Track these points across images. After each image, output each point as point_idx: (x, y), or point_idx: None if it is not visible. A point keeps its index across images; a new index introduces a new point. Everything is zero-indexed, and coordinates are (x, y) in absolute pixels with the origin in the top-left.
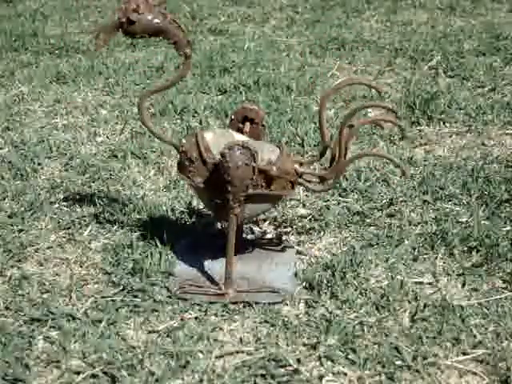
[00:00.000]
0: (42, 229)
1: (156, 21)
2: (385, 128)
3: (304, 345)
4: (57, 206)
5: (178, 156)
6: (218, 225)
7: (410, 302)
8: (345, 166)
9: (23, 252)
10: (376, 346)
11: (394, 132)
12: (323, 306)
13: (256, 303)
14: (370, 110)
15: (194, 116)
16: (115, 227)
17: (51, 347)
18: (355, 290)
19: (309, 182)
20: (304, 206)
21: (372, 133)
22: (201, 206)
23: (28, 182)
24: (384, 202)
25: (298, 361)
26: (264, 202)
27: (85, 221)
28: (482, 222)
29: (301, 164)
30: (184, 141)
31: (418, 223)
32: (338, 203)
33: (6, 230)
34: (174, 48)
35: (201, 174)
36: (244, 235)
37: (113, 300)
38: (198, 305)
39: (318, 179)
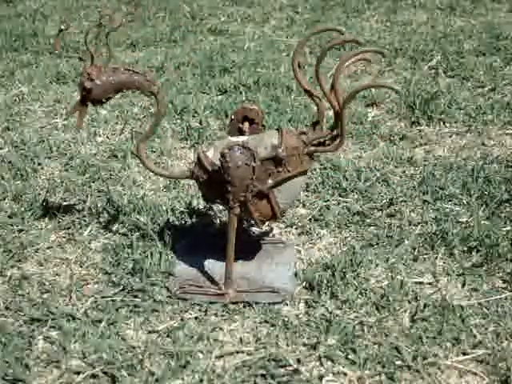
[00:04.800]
0: (41, 229)
1: (110, 79)
2: (372, 61)
3: (304, 345)
4: (57, 206)
5: (200, 189)
6: (218, 225)
7: (410, 302)
8: (344, 108)
9: (23, 252)
10: (376, 346)
11: (393, 132)
12: (323, 306)
13: (256, 303)
14: (369, 110)
15: (193, 116)
16: (115, 227)
17: (51, 347)
18: (355, 290)
19: (322, 145)
20: (304, 206)
21: (372, 133)
22: (201, 206)
23: (28, 182)
24: (384, 202)
25: (298, 361)
26: (292, 184)
27: (85, 221)
28: (482, 222)
29: (305, 133)
30: (195, 169)
31: (418, 223)
32: (338, 203)
33: (5, 230)
34: (141, 93)
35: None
36: (244, 235)
37: (113, 300)
38: (198, 305)
39: (328, 138)
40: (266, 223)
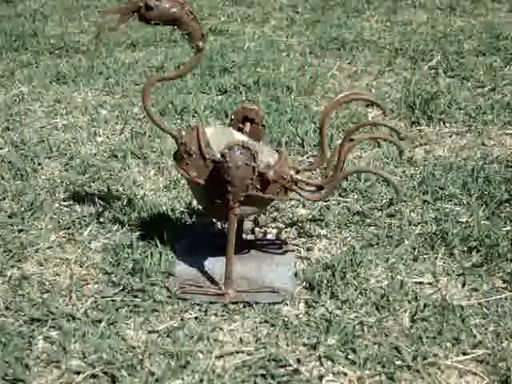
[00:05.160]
0: (41, 229)
1: (173, 10)
2: (381, 146)
3: (304, 345)
4: (57, 205)
5: (177, 147)
6: (218, 225)
7: (410, 302)
8: (341, 178)
9: (23, 252)
10: (376, 346)
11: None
12: (323, 306)
13: (256, 303)
14: (369, 110)
15: (193, 116)
16: (115, 227)
17: (51, 347)
18: (355, 290)
19: (302, 189)
20: (304, 206)
21: (372, 133)
22: (201, 206)
23: (28, 181)
24: (384, 202)
25: (298, 361)
26: (254, 204)
27: (85, 221)
28: (482, 222)
29: (297, 172)
30: (184, 133)
31: (418, 223)
32: (338, 203)
33: (5, 230)
34: (187, 39)
35: (198, 168)
36: (244, 235)
37: (113, 300)
38: (198, 305)
39: (313, 188)
40: (269, 223)
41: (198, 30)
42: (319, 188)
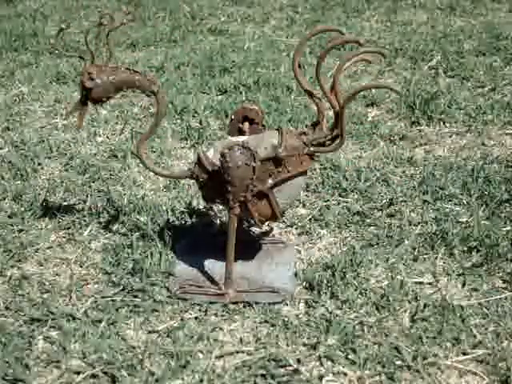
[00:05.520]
0: (42, 229)
1: (111, 78)
2: (371, 62)
3: (304, 345)
4: (57, 206)
5: (200, 188)
6: (218, 225)
7: (410, 302)
8: (344, 108)
9: (23, 252)
10: (376, 346)
11: (393, 132)
12: (323, 306)
13: (256, 303)
14: (369, 110)
15: (193, 116)
16: (115, 227)
17: (51, 347)
18: (355, 290)
19: (322, 145)
20: (304, 206)
21: (372, 133)
22: (201, 206)
23: (28, 182)
24: (384, 201)
25: (298, 361)
26: (292, 184)
27: (85, 221)
28: (482, 222)
29: (305, 134)
30: (192, 168)
31: (418, 223)
32: (338, 203)
33: (5, 230)
34: (141, 92)
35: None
36: (244, 235)
37: (113, 300)
38: (198, 305)
39: (328, 138)
40: (266, 223)
41: (143, 80)
42: (333, 137)
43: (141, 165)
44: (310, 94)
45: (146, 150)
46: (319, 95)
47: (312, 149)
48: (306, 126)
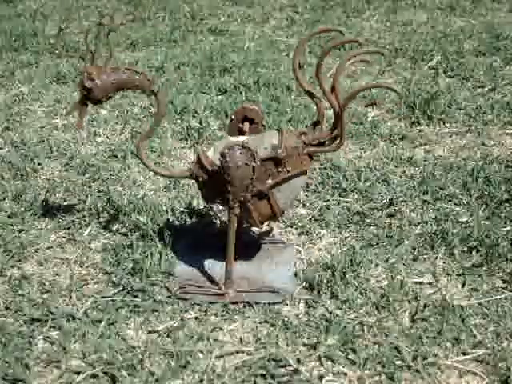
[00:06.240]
0: (42, 229)
1: (111, 79)
2: (371, 62)
3: (304, 345)
4: (57, 206)
5: (199, 188)
6: (218, 225)
7: (410, 302)
8: (344, 108)
9: (23, 252)
10: (376, 346)
11: (393, 132)
12: (323, 306)
13: (256, 303)
14: (369, 110)
15: (193, 116)
16: (115, 227)
17: (51, 347)
18: (355, 290)
19: (322, 145)
20: (304, 206)
21: (372, 133)
22: (201, 206)
23: (28, 182)
24: (384, 201)
25: (298, 361)
26: (292, 184)
27: (85, 221)
28: (482, 222)
29: (305, 134)
30: (192, 167)
31: (418, 223)
32: (338, 203)
33: (6, 230)
34: (141, 92)
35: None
36: (244, 235)
37: (113, 300)
38: (198, 305)
39: (328, 138)
40: (266, 223)
41: (143, 80)
42: (333, 137)
43: (141, 165)
44: (310, 94)
45: (146, 149)
46: (319, 95)
47: (312, 149)
48: (306, 126)
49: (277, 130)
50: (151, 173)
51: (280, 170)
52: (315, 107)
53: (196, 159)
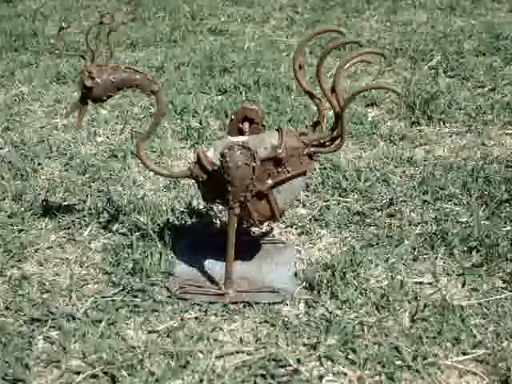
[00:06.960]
0: (42, 229)
1: (111, 77)
2: (372, 62)
3: (304, 345)
4: (57, 206)
5: (199, 188)
6: (218, 225)
7: (410, 302)
8: (344, 109)
9: (23, 252)
10: (376, 346)
11: (393, 132)
12: (323, 306)
13: (256, 303)
14: (369, 110)
15: (194, 116)
16: (115, 227)
17: (51, 347)
18: (355, 290)
19: (322, 145)
20: (304, 206)
21: (372, 133)
22: (201, 206)
23: (28, 182)
24: (384, 201)
25: (298, 361)
26: (292, 184)
27: (85, 221)
28: (482, 222)
29: (305, 134)
30: (192, 167)
31: (418, 223)
32: (338, 203)
33: (6, 230)
34: (141, 92)
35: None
36: (244, 235)
37: (113, 300)
38: (198, 305)
39: (328, 139)
40: (266, 223)
41: (143, 79)
42: (333, 138)
43: (141, 165)
44: (311, 95)
45: (146, 149)
46: (319, 96)
47: (312, 149)
48: (306, 127)
49: (277, 130)
50: (151, 173)
51: (280, 170)
52: (315, 107)
53: (196, 159)
